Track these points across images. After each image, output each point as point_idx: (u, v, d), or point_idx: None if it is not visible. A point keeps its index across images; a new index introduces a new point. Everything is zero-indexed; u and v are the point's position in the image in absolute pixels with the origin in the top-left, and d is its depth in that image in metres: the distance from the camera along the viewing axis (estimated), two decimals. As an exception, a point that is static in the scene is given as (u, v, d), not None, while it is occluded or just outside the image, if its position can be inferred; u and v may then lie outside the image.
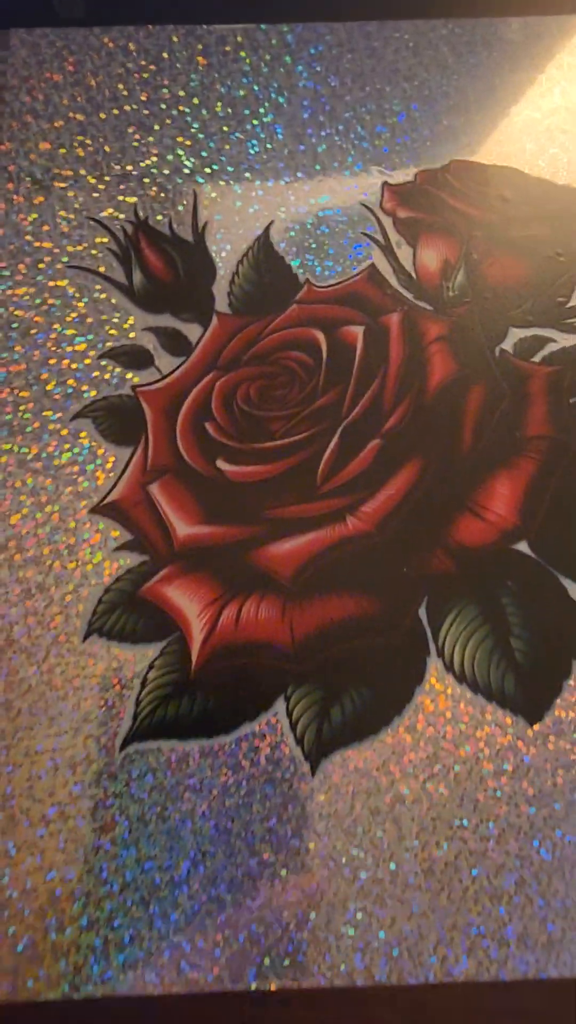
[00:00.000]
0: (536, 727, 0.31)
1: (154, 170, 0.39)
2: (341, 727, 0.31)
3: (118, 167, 0.39)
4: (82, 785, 0.30)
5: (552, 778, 0.30)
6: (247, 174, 0.39)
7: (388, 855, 0.29)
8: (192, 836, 0.30)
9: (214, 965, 0.28)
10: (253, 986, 0.28)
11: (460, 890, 0.29)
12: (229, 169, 0.39)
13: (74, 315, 0.37)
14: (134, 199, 0.39)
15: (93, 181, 0.39)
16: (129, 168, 0.39)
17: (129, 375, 0.36)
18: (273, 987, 0.28)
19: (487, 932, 0.28)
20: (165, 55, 0.41)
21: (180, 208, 0.39)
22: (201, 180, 0.39)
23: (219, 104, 0.40)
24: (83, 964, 0.28)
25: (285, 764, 0.30)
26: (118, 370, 0.36)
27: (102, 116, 0.40)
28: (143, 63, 0.41)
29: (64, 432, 0.35)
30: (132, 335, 0.37)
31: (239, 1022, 0.28)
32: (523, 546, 0.33)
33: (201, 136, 0.40)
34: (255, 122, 0.40)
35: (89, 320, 0.37)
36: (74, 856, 0.29)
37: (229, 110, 0.40)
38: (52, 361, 0.36)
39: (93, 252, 0.38)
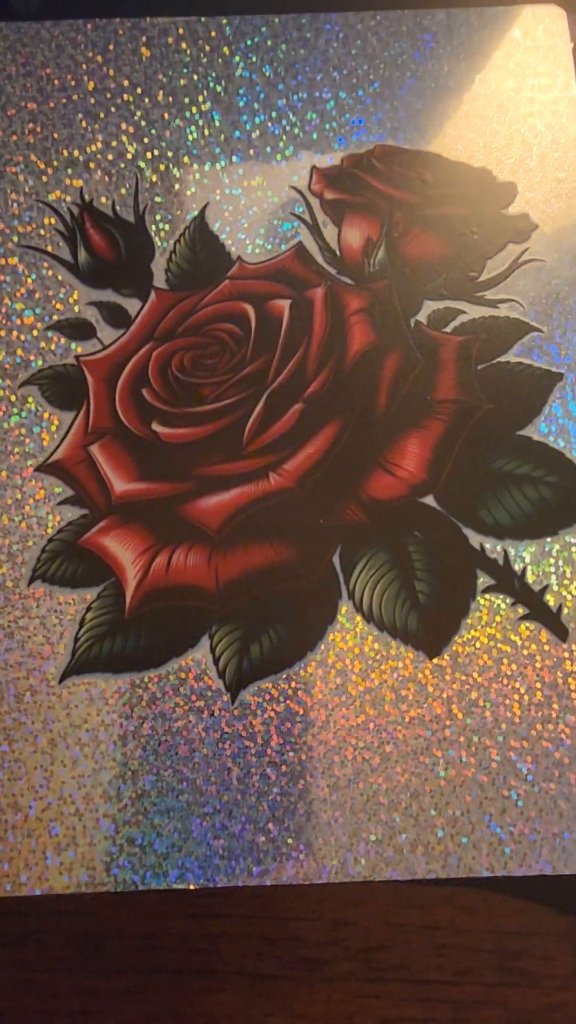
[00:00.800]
0: (435, 660, 0.34)
1: (99, 155, 0.42)
2: (259, 662, 0.34)
3: (66, 152, 0.42)
4: (24, 713, 0.34)
5: (447, 705, 0.34)
6: (185, 159, 0.42)
7: (298, 773, 0.33)
8: (123, 758, 0.33)
9: (140, 867, 0.32)
10: (175, 885, 0.31)
11: (361, 803, 0.32)
12: (169, 154, 0.42)
13: (23, 290, 0.40)
14: (80, 183, 0.42)
15: (42, 166, 0.42)
16: (76, 154, 0.42)
17: (73, 345, 0.39)
18: (192, 886, 0.32)
19: (383, 839, 0.32)
20: (111, 47, 0.44)
21: (123, 191, 0.42)
22: (143, 165, 0.42)
23: (160, 93, 0.43)
24: (23, 867, 0.32)
25: (208, 695, 0.34)
26: (63, 341, 0.39)
27: (51, 105, 0.43)
28: (90, 55, 0.44)
29: (12, 398, 0.38)
30: (76, 309, 0.40)
31: (155, 914, 0.32)
32: (430, 499, 0.36)
33: (143, 123, 0.43)
34: (194, 110, 0.43)
35: (37, 295, 0.40)
36: (17, 773, 0.33)
37: (170, 98, 0.43)
38: (2, 333, 0.39)
39: (41, 232, 0.41)
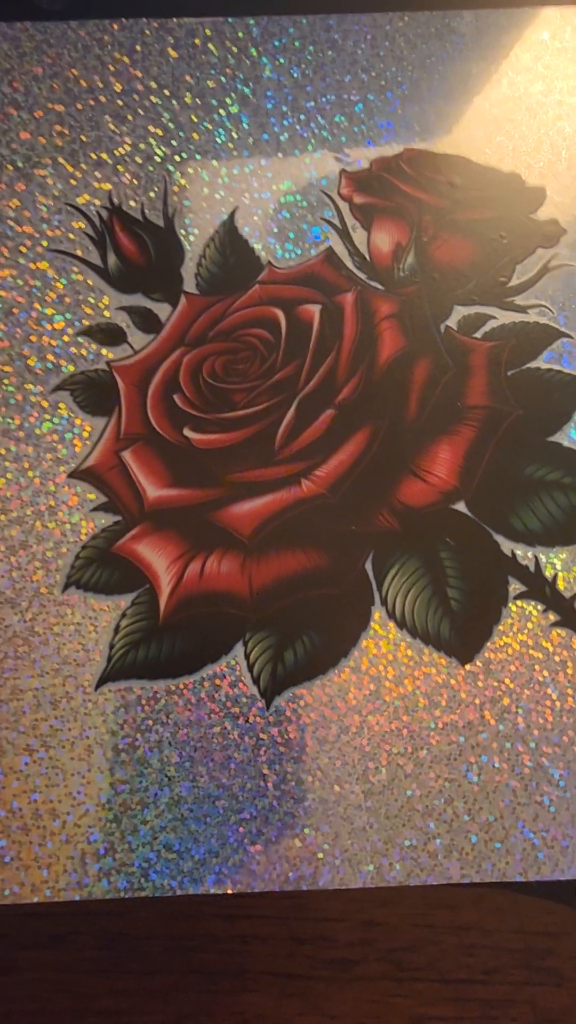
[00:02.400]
0: (467, 667, 0.35)
1: (127, 158, 0.42)
2: (293, 668, 0.34)
3: (94, 155, 0.42)
4: (61, 720, 0.34)
5: (480, 711, 0.34)
6: (214, 162, 0.42)
7: (333, 779, 0.33)
8: (159, 764, 0.33)
9: (178, 873, 0.32)
10: (212, 890, 0.32)
11: (396, 808, 0.33)
12: (197, 157, 0.42)
13: (53, 295, 0.40)
14: (109, 186, 0.42)
15: (71, 169, 0.42)
16: (104, 156, 0.42)
17: (104, 351, 0.39)
18: (229, 891, 0.32)
19: (418, 844, 0.32)
20: (138, 48, 0.44)
21: (152, 194, 0.42)
22: (171, 168, 0.42)
23: (188, 95, 0.43)
24: (62, 872, 0.32)
25: (243, 701, 0.34)
26: (94, 346, 0.39)
27: (79, 107, 0.43)
28: (117, 56, 0.44)
29: (44, 404, 0.38)
30: (107, 314, 0.40)
31: (188, 915, 0.32)
32: (461, 506, 0.37)
33: (172, 126, 0.43)
34: (222, 112, 0.43)
35: (67, 300, 0.40)
36: (55, 780, 0.33)
37: (198, 100, 0.43)
38: (33, 339, 0.39)
39: (70, 236, 0.41)
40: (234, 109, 0.43)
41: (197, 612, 0.35)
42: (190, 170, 0.42)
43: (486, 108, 0.43)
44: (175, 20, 0.44)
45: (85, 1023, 0.33)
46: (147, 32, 0.44)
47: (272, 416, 0.38)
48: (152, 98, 0.43)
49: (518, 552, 0.36)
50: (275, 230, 0.41)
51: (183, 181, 0.42)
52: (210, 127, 0.43)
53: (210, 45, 0.44)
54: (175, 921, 0.34)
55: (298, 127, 0.43)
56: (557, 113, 0.43)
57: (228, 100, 0.43)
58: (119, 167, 0.42)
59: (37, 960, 0.34)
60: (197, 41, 0.44)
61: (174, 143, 0.42)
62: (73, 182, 0.42)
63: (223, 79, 0.43)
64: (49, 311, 0.40)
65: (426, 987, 0.34)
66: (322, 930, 0.34)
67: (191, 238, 0.41)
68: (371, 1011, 0.34)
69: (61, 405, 0.38)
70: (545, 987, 0.34)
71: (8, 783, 0.33)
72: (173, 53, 0.44)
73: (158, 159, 0.42)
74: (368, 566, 0.36)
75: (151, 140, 0.42)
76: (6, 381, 0.38)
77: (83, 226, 0.41)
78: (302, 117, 0.43)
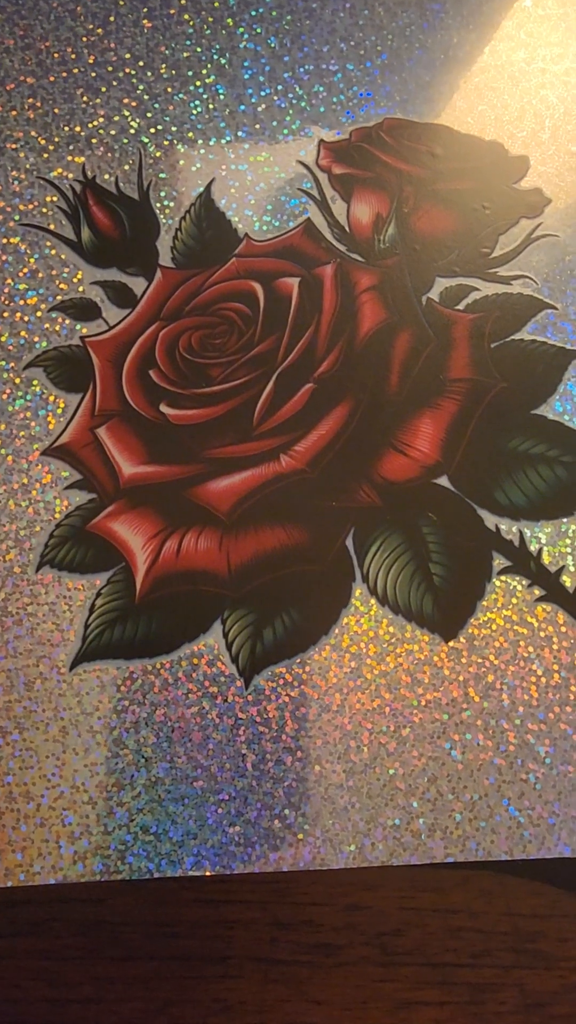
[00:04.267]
0: (451, 643, 0.34)
1: (101, 131, 0.41)
2: (272, 646, 0.34)
3: (67, 128, 0.41)
4: (35, 701, 0.33)
5: (464, 688, 0.33)
6: (190, 134, 0.41)
7: (313, 758, 0.32)
8: (136, 745, 0.33)
9: (155, 855, 0.31)
10: (190, 872, 0.31)
11: (378, 787, 0.32)
12: (173, 129, 0.41)
13: (25, 270, 0.39)
14: (82, 159, 0.41)
15: (43, 142, 0.41)
16: (77, 129, 0.41)
17: (78, 326, 0.38)
18: (208, 873, 0.31)
19: (401, 823, 0.32)
20: (112, 19, 0.43)
21: (126, 167, 0.41)
22: (146, 140, 0.41)
23: (163, 66, 0.42)
24: (37, 856, 0.31)
25: (222, 680, 0.33)
26: (68, 322, 0.38)
27: (51, 79, 0.42)
28: (90, 27, 0.43)
29: (17, 380, 0.37)
30: (81, 289, 0.39)
31: (168, 901, 0.31)
32: (443, 480, 0.36)
33: (146, 97, 0.42)
34: (198, 83, 0.42)
35: (40, 275, 0.39)
36: (29, 763, 0.32)
37: (173, 72, 0.42)
38: (5, 314, 0.38)
39: (44, 210, 0.40)
40: (210, 80, 0.42)
41: (174, 590, 0.34)
42: (165, 142, 0.41)
43: (467, 77, 0.42)
44: (150, -10, 0.43)
45: (65, 1011, 0.32)
46: (121, 2, 0.43)
47: (250, 391, 0.37)
48: (126, 69, 0.42)
49: (502, 526, 0.35)
50: (252, 202, 0.40)
51: (158, 153, 0.41)
52: (185, 98, 0.42)
53: (185, 15, 0.43)
54: (155, 907, 0.33)
55: (276, 98, 0.42)
56: (540, 81, 0.42)
57: (204, 71, 0.42)
58: (92, 140, 0.41)
59: (14, 948, 0.33)
60: (172, 11, 0.43)
61: (149, 115, 0.42)
62: (46, 155, 0.41)
63: (199, 49, 0.42)
64: (22, 286, 0.39)
65: (412, 971, 0.33)
66: (306, 914, 0.34)
67: (167, 211, 0.40)
68: (356, 996, 0.33)
69: (34, 382, 0.37)
70: (534, 970, 0.33)
71: (-19, 766, 0.32)
72: (147, 23, 0.43)
73: (132, 131, 0.41)
74: (349, 542, 0.35)
75: (125, 112, 0.42)
76: (-23, 357, 0.37)
77: (56, 200, 0.40)
78: (279, 87, 0.42)
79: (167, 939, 0.33)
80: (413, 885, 0.34)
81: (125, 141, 0.41)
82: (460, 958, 0.33)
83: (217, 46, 0.42)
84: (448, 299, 0.39)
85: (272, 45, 0.42)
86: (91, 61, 0.42)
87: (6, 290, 0.39)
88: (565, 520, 0.35)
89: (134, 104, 0.42)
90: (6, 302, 0.38)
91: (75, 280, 0.39)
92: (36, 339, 0.38)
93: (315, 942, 0.33)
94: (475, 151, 0.41)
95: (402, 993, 0.33)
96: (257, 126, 0.41)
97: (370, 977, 0.33)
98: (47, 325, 0.38)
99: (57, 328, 0.38)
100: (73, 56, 0.42)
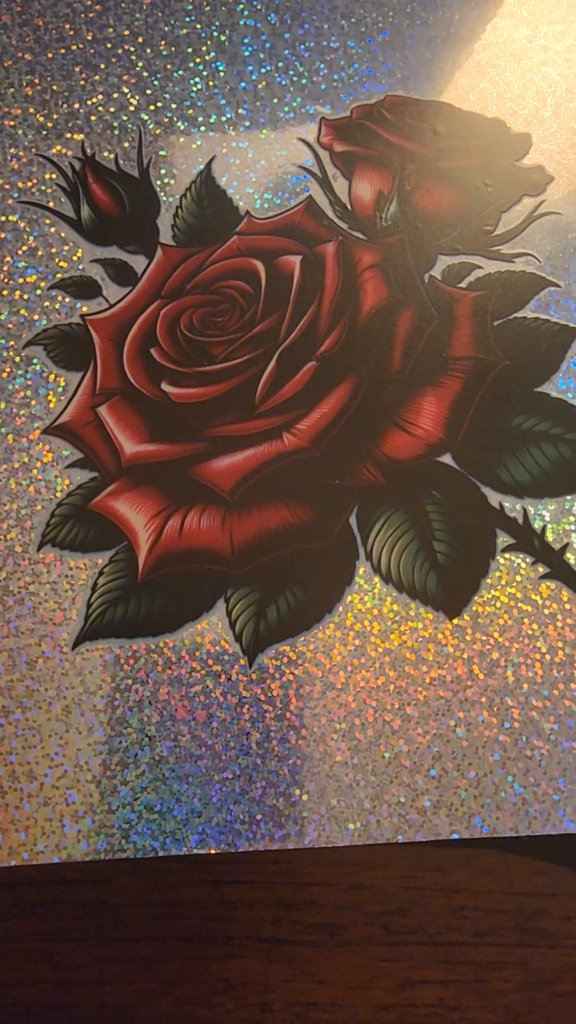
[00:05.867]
0: (455, 621, 0.34)
1: (100, 108, 0.41)
2: (276, 625, 0.34)
3: (65, 105, 0.41)
4: (37, 680, 0.33)
5: (468, 666, 0.33)
6: (190, 111, 0.41)
7: (318, 736, 0.32)
8: (139, 724, 0.32)
9: (160, 833, 0.31)
10: (195, 850, 0.31)
11: (383, 765, 0.32)
12: (173, 106, 0.41)
13: (25, 248, 0.39)
14: (81, 136, 0.40)
15: (42, 119, 0.41)
16: (76, 106, 0.41)
17: (79, 304, 0.38)
18: (213, 851, 0.31)
19: (406, 801, 0.31)
20: (110, -6, 0.42)
21: (126, 144, 0.40)
22: (145, 117, 0.41)
23: (163, 43, 0.42)
24: (40, 835, 0.31)
25: (225, 659, 0.33)
26: (68, 300, 0.38)
27: (49, 55, 0.41)
28: (89, 3, 0.42)
29: (17, 359, 0.37)
30: (81, 267, 0.39)
31: (172, 882, 0.31)
32: (447, 458, 0.36)
33: (145, 74, 0.41)
34: (197, 60, 0.42)
35: (39, 253, 0.39)
36: (31, 742, 0.32)
37: (172, 48, 0.42)
38: (5, 292, 0.38)
39: (43, 188, 0.40)
40: (210, 57, 0.42)
41: (177, 569, 0.34)
42: (165, 119, 0.41)
43: (469, 54, 0.42)
44: (148, -34, 0.43)
45: (69, 992, 0.32)
46: (119, -22, 0.43)
47: (252, 369, 0.36)
48: (126, 46, 0.42)
49: (506, 504, 0.35)
50: (253, 179, 0.40)
51: (158, 131, 0.41)
52: (185, 75, 0.41)
53: (185, -9, 0.43)
54: (159, 888, 0.33)
55: (276, 75, 0.41)
56: (542, 59, 0.42)
57: (204, 48, 0.42)
58: (92, 117, 0.41)
59: (18, 929, 0.33)
60: (171, -13, 0.43)
61: (148, 92, 0.41)
62: (44, 133, 0.40)
63: (199, 26, 0.42)
64: (21, 264, 0.38)
65: (416, 950, 0.33)
66: (309, 894, 0.33)
67: (167, 189, 0.40)
68: (360, 975, 0.33)
69: (34, 360, 0.37)
70: (537, 949, 0.33)
71: (-17, 746, 0.32)
72: (146, 0, 0.42)
73: (132, 108, 0.41)
74: (352, 520, 0.35)
75: (124, 89, 0.41)
76: (-23, 335, 0.37)
77: (55, 177, 0.40)
78: (280, 64, 0.42)
79: (170, 920, 0.33)
80: (416, 864, 0.34)
81: (124, 118, 0.41)
82: (464, 937, 0.33)
83: (217, 23, 0.42)
84: (450, 277, 0.38)
85: (272, 22, 0.42)
86: (90, 38, 0.42)
87: (5, 268, 0.38)
88: (569, 498, 0.35)
89: (133, 81, 0.41)
90: (5, 280, 0.38)
91: (75, 258, 0.39)
92: (36, 317, 0.38)
93: (319, 922, 0.33)
94: (477, 129, 0.41)
95: (406, 972, 0.33)
96: (258, 103, 0.41)
97: (374, 956, 0.33)
98: (47, 303, 0.38)
99: (57, 306, 0.38)
100: (71, 33, 0.42)
